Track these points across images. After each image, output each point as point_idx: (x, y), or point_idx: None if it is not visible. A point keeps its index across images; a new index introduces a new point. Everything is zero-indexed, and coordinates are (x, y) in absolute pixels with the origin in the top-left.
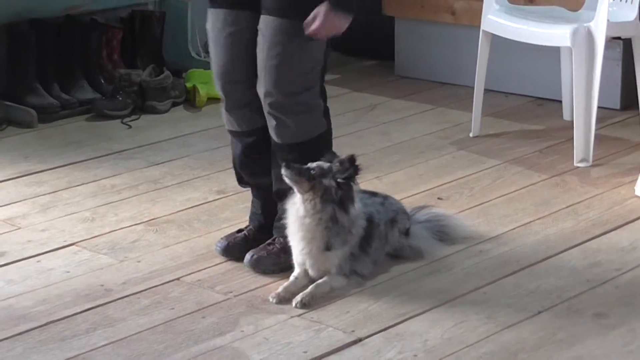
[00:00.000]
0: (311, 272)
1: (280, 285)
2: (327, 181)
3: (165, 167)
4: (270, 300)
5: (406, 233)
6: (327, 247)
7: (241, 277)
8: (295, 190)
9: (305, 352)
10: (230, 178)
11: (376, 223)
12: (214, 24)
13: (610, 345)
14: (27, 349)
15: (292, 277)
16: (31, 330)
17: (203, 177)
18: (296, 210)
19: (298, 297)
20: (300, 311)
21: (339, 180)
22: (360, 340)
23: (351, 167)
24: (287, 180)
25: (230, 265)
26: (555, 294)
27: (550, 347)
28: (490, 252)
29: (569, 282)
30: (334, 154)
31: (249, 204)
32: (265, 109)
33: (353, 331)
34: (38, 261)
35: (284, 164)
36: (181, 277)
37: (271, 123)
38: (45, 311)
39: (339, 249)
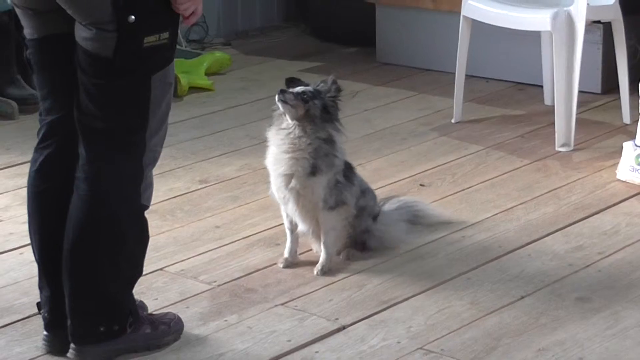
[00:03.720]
0: (296, 209)
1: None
2: (321, 101)
3: None
4: (280, 266)
5: (374, 218)
6: (313, 171)
7: (224, 266)
8: (289, 116)
9: (289, 340)
10: (212, 167)
11: (356, 172)
12: None
13: (593, 328)
14: (11, 341)
15: (289, 238)
16: (14, 322)
17: (185, 166)
18: (287, 133)
19: (318, 267)
20: (284, 299)
21: (329, 98)
22: (344, 327)
23: (333, 84)
24: (283, 105)
25: (214, 254)
26: (538, 279)
27: (534, 332)
28: (473, 238)
29: (551, 266)
30: (298, 80)
31: (232, 193)
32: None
33: (337, 319)
34: (21, 253)
35: (279, 90)
36: (164, 267)
37: None
38: (29, 303)
39: (325, 174)
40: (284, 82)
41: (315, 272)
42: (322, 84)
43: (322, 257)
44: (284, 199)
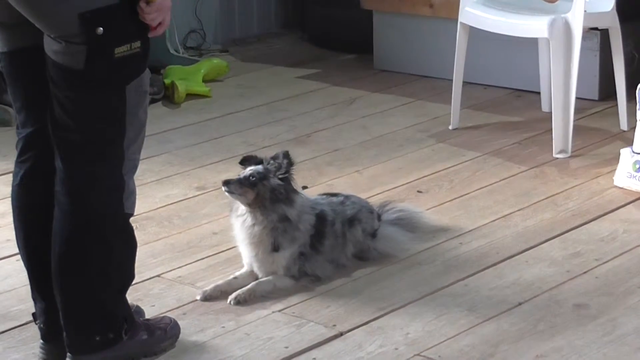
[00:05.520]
0: (259, 274)
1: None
2: (269, 182)
3: (144, 163)
4: (197, 298)
5: (373, 234)
6: (275, 248)
7: (222, 272)
8: (240, 202)
9: (286, 347)
10: (210, 174)
11: (330, 221)
12: None
13: (590, 335)
14: (7, 348)
15: (231, 276)
16: (11, 329)
17: (183, 173)
18: (243, 221)
19: (233, 295)
20: (282, 306)
21: (280, 176)
22: (341, 334)
23: (284, 159)
24: (230, 196)
25: (212, 261)
26: (535, 285)
27: (531, 338)
28: (471, 244)
29: (549, 273)
30: (253, 157)
31: (229, 200)
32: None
33: (334, 325)
34: (17, 260)
35: (223, 181)
36: (161, 273)
37: None
38: (26, 310)
39: (287, 249)
40: (281, 89)
41: (228, 300)
42: (272, 162)
43: (249, 287)
44: (246, 259)
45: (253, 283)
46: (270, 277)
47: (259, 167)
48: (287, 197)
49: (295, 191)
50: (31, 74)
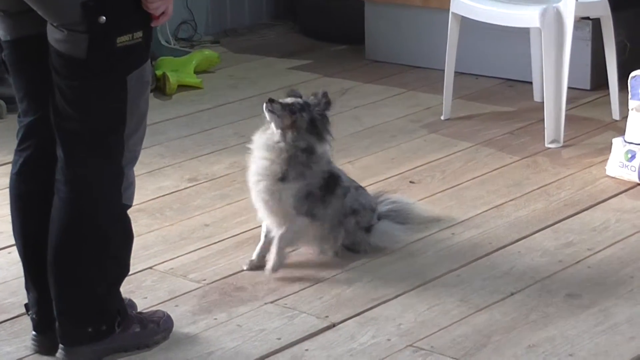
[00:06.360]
0: (268, 218)
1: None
2: (308, 114)
3: None
4: (244, 268)
5: (368, 229)
6: (282, 177)
7: (214, 264)
8: (274, 125)
9: (279, 338)
10: (201, 166)
11: (341, 186)
12: None
13: (582, 325)
14: None
15: (259, 245)
16: (3, 322)
17: (174, 165)
18: (270, 135)
19: (268, 265)
20: (274, 298)
21: (318, 112)
22: (334, 325)
23: (324, 98)
24: (269, 114)
25: (204, 252)
26: (528, 275)
27: (523, 328)
28: (463, 235)
29: (541, 263)
30: (296, 91)
31: (221, 192)
32: None
33: (327, 316)
34: (9, 252)
35: (268, 98)
36: (154, 265)
37: None
38: (18, 303)
39: (292, 181)
40: (273, 80)
41: (265, 271)
42: (312, 97)
43: (273, 251)
44: (256, 202)
45: (274, 245)
46: (284, 228)
47: (297, 100)
48: (321, 133)
49: (329, 131)
50: (34, 63)
